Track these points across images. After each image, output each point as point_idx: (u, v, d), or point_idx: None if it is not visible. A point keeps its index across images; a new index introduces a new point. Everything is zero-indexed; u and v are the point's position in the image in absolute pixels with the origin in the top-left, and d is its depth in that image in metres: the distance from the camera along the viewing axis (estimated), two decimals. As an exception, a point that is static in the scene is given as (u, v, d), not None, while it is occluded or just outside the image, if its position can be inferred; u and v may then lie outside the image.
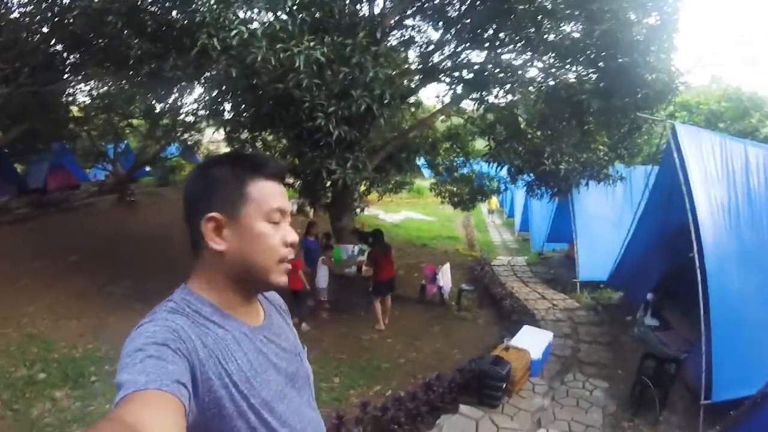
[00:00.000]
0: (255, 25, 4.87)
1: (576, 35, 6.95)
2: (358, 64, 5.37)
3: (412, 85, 9.33)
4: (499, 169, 9.69)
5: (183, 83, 8.10)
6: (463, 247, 13.97)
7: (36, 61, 8.30)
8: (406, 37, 9.33)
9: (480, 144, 10.58)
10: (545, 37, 6.81)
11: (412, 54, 9.81)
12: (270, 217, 1.00)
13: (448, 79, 8.86)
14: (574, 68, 7.56)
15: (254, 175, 1.01)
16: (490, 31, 7.66)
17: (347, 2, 6.29)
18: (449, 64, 8.66)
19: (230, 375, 0.92)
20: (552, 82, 7.75)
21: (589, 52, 6.87)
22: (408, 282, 9.24)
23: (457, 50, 8.61)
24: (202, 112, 11.00)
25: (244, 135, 7.89)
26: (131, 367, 0.78)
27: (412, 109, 11.51)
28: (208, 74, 6.67)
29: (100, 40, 8.15)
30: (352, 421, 3.94)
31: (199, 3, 5.28)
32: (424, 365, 6.02)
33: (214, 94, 7.31)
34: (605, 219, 9.09)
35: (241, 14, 5.20)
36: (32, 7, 7.75)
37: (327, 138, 5.72)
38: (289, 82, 5.33)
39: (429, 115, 10.12)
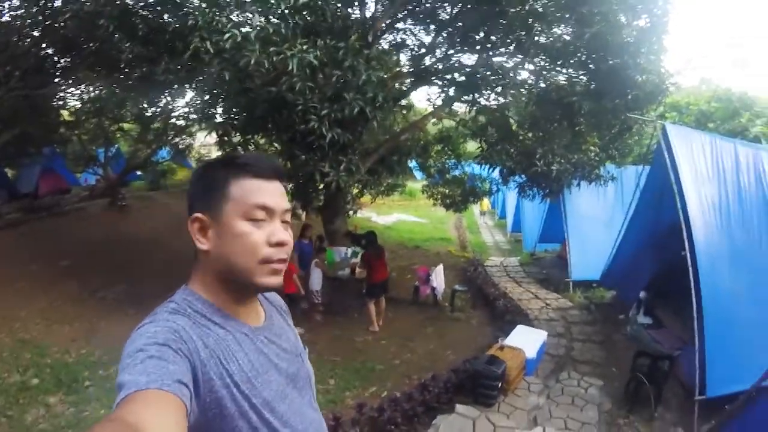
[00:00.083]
0: (248, 28, 4.87)
1: (567, 38, 7.02)
2: (351, 67, 5.40)
3: (404, 88, 9.34)
4: (491, 170, 9.75)
5: (175, 87, 8.05)
6: (455, 249, 13.99)
7: (27, 65, 8.25)
8: (398, 40, 9.38)
9: (472, 146, 10.63)
10: (536, 39, 6.88)
11: (404, 57, 9.88)
12: (250, 215, 0.97)
13: (439, 82, 8.88)
14: (564, 70, 7.65)
15: (239, 174, 0.99)
16: (482, 34, 7.72)
17: (339, 6, 6.30)
18: (441, 66, 8.69)
19: (231, 375, 0.92)
20: (543, 84, 7.83)
21: (579, 54, 6.94)
22: (401, 284, 9.26)
23: (449, 53, 8.66)
24: (193, 116, 10.92)
25: (236, 138, 7.89)
26: (132, 368, 0.78)
27: (404, 112, 11.54)
28: (200, 78, 6.64)
29: (92, 44, 8.11)
30: (349, 422, 3.94)
31: (191, 6, 5.28)
32: (419, 366, 6.03)
33: (206, 97, 7.29)
34: (597, 219, 9.14)
35: (233, 18, 5.19)
36: (23, 10, 7.71)
37: (320, 141, 5.74)
38: (282, 85, 5.34)
39: (421, 117, 10.16)
